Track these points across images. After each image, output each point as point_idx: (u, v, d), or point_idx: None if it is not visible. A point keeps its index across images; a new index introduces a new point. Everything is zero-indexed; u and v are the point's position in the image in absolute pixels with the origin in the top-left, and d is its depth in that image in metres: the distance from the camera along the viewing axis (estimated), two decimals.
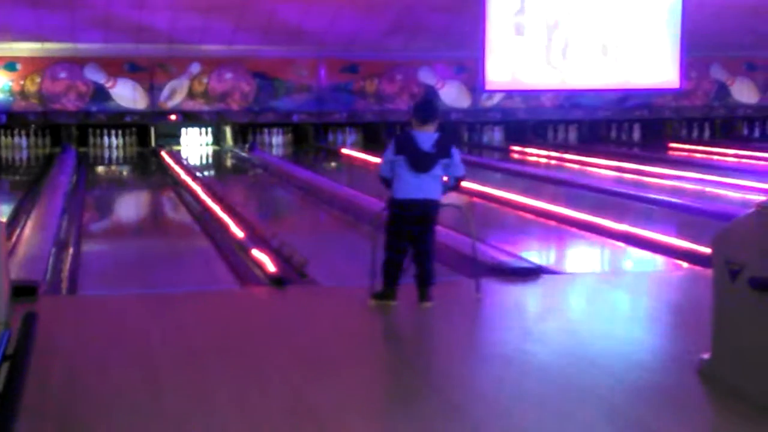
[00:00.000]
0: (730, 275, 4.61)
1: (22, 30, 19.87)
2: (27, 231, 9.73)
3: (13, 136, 21.25)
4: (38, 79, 20.97)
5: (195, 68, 21.60)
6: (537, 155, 20.09)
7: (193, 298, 6.89)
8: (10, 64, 20.83)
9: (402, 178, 6.38)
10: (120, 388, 4.77)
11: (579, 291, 7.29)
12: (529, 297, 7.00)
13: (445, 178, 6.48)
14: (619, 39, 20.90)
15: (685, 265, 8.27)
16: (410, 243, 6.43)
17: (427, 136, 6.39)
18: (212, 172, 18.78)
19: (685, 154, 19.91)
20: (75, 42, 20.53)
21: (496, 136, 23.61)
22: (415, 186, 6.35)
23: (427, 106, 6.52)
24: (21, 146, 21.24)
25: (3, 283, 5.40)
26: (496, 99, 23.04)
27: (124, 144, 21.71)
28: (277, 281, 7.22)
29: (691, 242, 8.49)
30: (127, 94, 21.36)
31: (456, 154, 6.46)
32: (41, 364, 4.91)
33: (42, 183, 14.42)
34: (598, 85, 21.51)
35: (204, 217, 11.18)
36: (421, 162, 6.34)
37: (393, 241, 6.44)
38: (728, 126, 24.48)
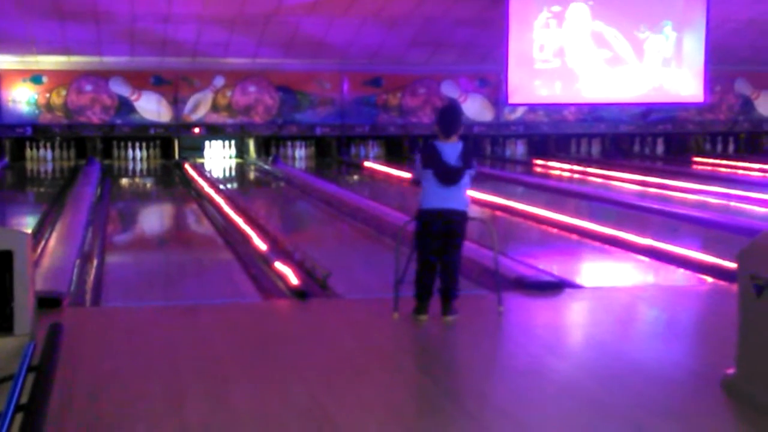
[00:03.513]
0: (756, 290, 4.58)
1: (48, 43, 20.06)
2: (52, 243, 9.80)
3: (38, 148, 21.46)
4: (64, 92, 21.16)
5: (219, 81, 21.73)
6: (560, 169, 20.04)
7: (215, 311, 6.91)
8: (36, 77, 21.03)
9: (428, 189, 6.43)
10: (143, 399, 4.79)
11: (602, 305, 7.25)
12: (551, 311, 6.97)
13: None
14: (643, 52, 20.82)
15: (709, 280, 8.22)
16: (437, 255, 6.44)
17: (451, 148, 6.42)
18: (235, 185, 18.85)
19: (710, 168, 19.81)
20: (100, 55, 20.70)
21: (519, 149, 23.60)
22: (441, 197, 6.39)
23: (450, 118, 6.51)
24: (46, 158, 21.43)
25: (28, 294, 5.45)
26: (519, 112, 23.03)
27: (148, 156, 21.87)
28: (300, 294, 7.22)
29: (715, 257, 8.44)
30: (151, 107, 21.53)
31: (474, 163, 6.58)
32: (66, 375, 4.94)
33: (67, 195, 14.52)
34: (620, 99, 21.45)
35: (227, 229, 11.21)
36: (448, 176, 6.37)
37: (421, 252, 6.47)
38: (753, 140, 24.35)
